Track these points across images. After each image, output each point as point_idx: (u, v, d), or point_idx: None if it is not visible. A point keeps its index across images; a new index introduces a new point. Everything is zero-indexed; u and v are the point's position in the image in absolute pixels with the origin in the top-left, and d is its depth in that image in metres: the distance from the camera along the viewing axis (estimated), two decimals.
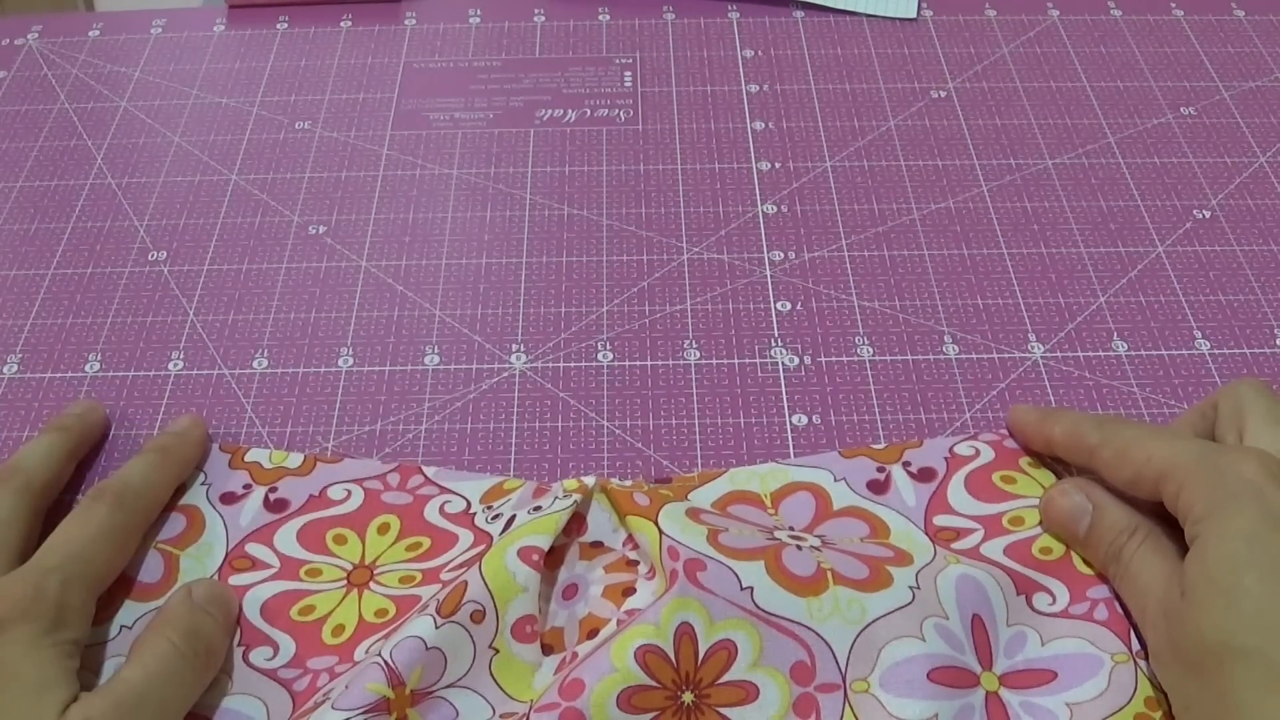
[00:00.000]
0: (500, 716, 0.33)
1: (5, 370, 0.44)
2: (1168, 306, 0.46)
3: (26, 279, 0.48)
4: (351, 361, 0.44)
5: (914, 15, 0.61)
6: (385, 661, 0.32)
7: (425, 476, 0.39)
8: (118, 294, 0.47)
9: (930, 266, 0.48)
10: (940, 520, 0.38)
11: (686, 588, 0.33)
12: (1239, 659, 0.28)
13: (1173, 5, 0.61)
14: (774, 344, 0.45)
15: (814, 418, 0.42)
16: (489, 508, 0.38)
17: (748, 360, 0.44)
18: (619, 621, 0.34)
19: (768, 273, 0.47)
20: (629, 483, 0.38)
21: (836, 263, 0.48)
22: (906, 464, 0.39)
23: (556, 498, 0.37)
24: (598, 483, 0.38)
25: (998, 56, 0.58)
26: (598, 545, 0.37)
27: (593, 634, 0.35)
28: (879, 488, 0.39)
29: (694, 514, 0.36)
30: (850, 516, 0.38)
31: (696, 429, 0.42)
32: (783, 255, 0.48)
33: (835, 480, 0.39)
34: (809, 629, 0.33)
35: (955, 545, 0.37)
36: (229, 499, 0.39)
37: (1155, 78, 0.57)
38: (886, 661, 0.33)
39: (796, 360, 0.44)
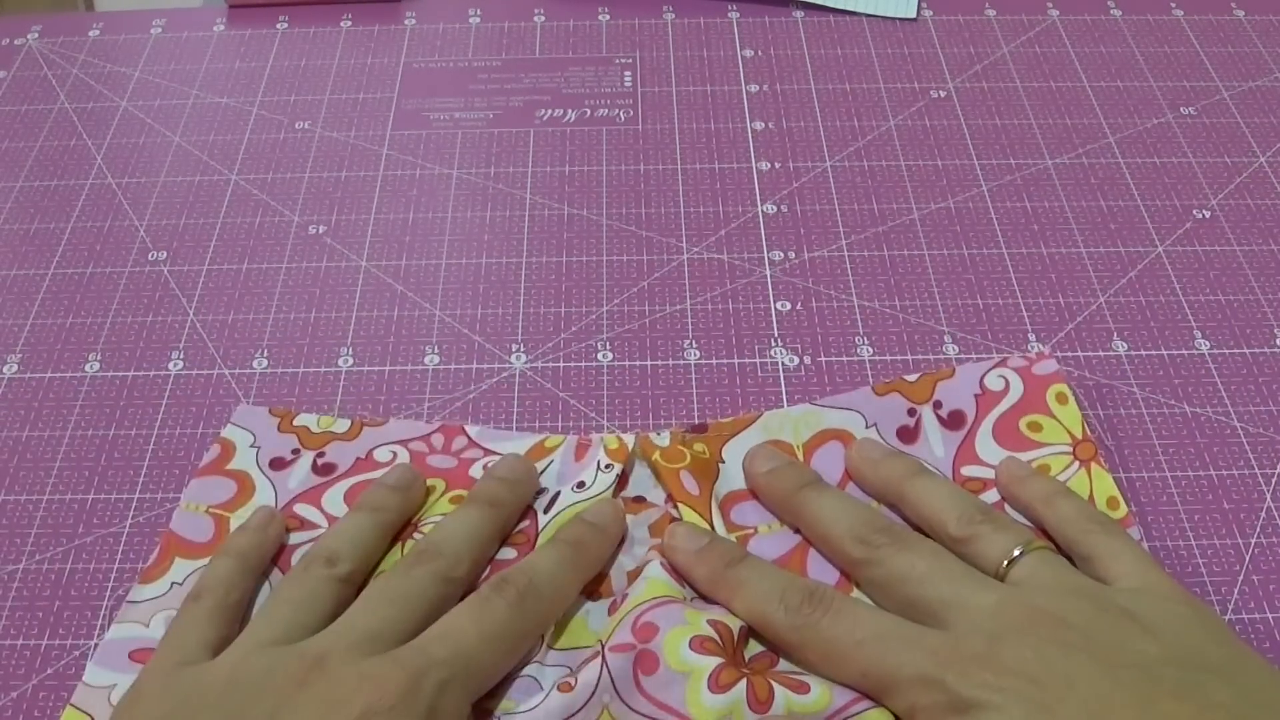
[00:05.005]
0: (576, 665, 0.33)
1: (5, 370, 0.44)
2: (1168, 306, 0.46)
3: (26, 279, 0.48)
4: (351, 361, 0.44)
5: (914, 15, 0.61)
6: None
7: (469, 438, 0.41)
8: (118, 294, 0.47)
9: (930, 266, 0.48)
10: (967, 470, 0.39)
11: None
12: None
13: (1173, 5, 0.61)
14: (774, 344, 0.45)
15: None
16: None
17: (748, 360, 0.44)
18: (662, 564, 0.35)
19: (768, 273, 0.47)
20: (666, 435, 0.39)
21: (836, 263, 0.48)
22: (937, 404, 0.40)
23: (599, 469, 0.38)
24: (638, 442, 0.39)
25: (998, 56, 0.58)
26: (640, 500, 0.38)
27: (635, 576, 0.36)
28: (909, 435, 0.40)
29: (725, 514, 0.37)
30: None
31: None
32: (783, 255, 0.48)
33: (866, 426, 0.40)
34: None
35: (981, 498, 0.38)
36: (278, 464, 0.40)
37: (1155, 78, 0.57)
38: None
39: (796, 360, 0.44)
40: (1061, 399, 0.40)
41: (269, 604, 0.34)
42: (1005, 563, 0.34)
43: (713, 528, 0.36)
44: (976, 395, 0.40)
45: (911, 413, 0.40)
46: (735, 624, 0.33)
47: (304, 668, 0.30)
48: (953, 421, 0.40)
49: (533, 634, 0.34)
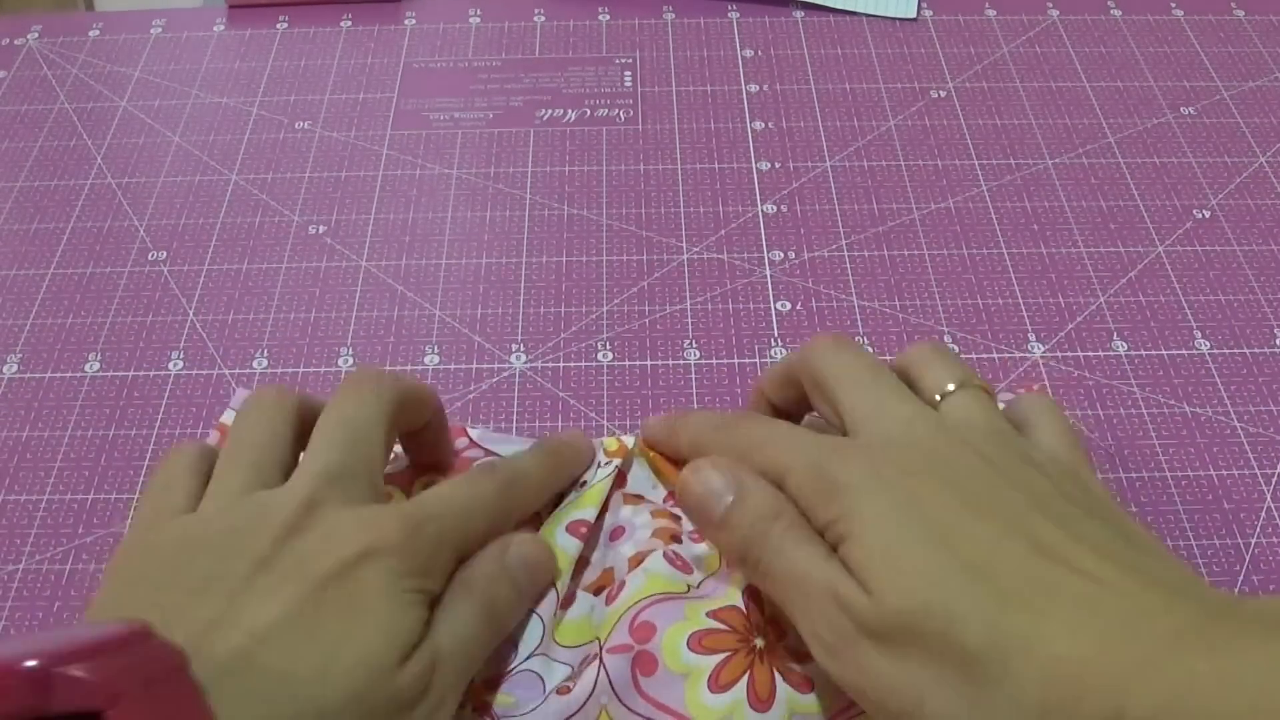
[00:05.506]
0: (578, 666, 0.33)
1: (5, 370, 0.44)
2: (1168, 306, 0.46)
3: (26, 279, 0.48)
4: (351, 361, 0.44)
5: (914, 15, 0.61)
6: None
7: (470, 439, 0.40)
8: (118, 294, 0.47)
9: (930, 266, 0.48)
10: None
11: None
12: (929, 619, 0.27)
13: (1173, 5, 0.61)
14: (774, 344, 0.45)
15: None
16: None
17: (748, 360, 0.44)
18: (665, 556, 0.35)
19: (768, 273, 0.48)
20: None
21: (836, 263, 0.48)
22: None
23: (599, 464, 0.38)
24: (638, 443, 0.39)
25: (998, 56, 0.58)
26: (638, 498, 0.38)
27: (638, 563, 0.35)
28: None
29: None
30: None
31: None
32: (783, 255, 0.48)
33: None
34: None
35: None
36: None
37: (1155, 78, 0.57)
38: None
39: None
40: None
41: (228, 449, 0.33)
42: (938, 395, 0.33)
43: None
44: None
45: None
46: (737, 599, 0.33)
47: (296, 512, 0.30)
48: None
49: (511, 519, 0.35)
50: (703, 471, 0.32)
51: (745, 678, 0.32)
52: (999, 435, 0.31)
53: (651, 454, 0.38)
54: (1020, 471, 0.30)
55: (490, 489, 0.34)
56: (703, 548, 0.36)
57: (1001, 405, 0.34)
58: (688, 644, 0.32)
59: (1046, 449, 0.32)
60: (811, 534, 0.30)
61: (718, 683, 0.32)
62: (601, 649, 0.32)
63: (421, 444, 0.37)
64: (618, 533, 0.37)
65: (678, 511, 0.37)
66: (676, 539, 0.37)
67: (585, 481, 0.38)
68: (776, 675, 0.32)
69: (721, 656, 0.32)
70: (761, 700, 0.31)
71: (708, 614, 0.33)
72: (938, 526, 0.28)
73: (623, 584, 0.35)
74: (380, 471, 0.33)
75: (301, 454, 0.33)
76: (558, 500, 0.38)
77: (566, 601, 0.35)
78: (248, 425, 0.33)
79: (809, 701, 0.32)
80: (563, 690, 0.32)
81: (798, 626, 0.30)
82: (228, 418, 0.40)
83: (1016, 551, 0.27)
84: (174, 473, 0.33)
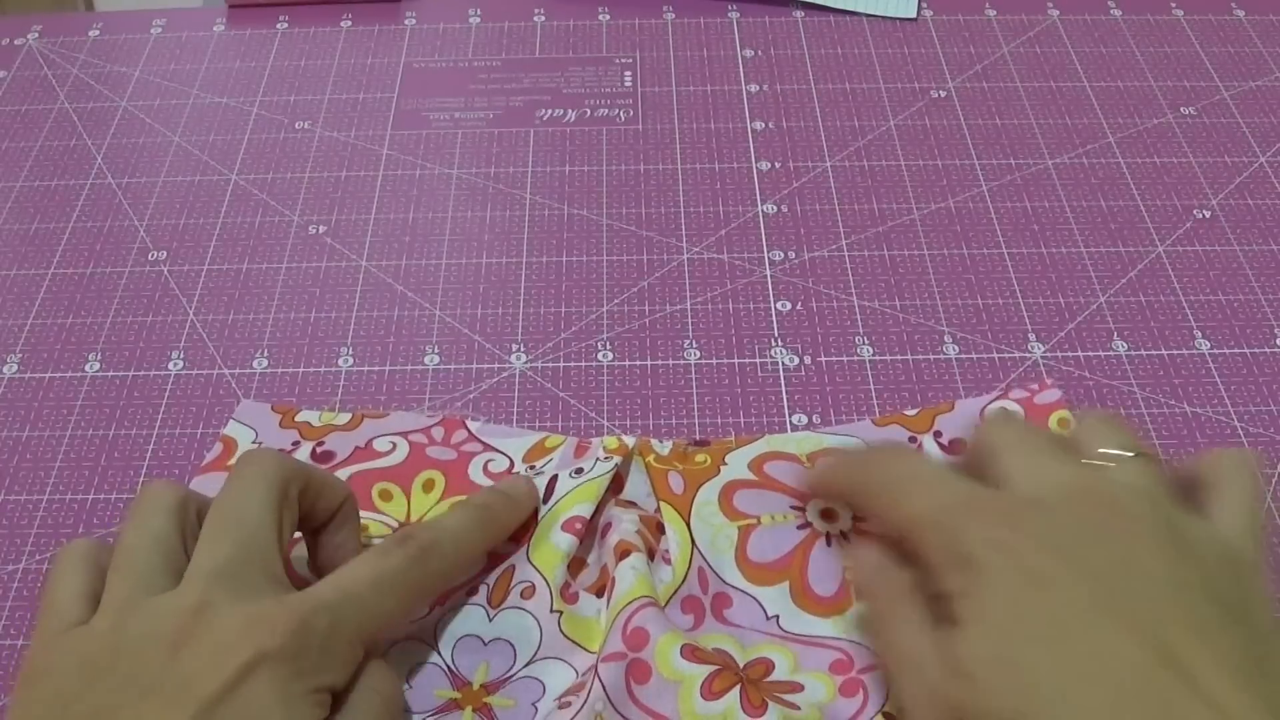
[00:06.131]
0: (585, 673, 0.33)
1: (5, 370, 0.44)
2: (1168, 306, 0.46)
3: (26, 279, 0.48)
4: (351, 361, 0.44)
5: (914, 15, 0.61)
6: (447, 666, 0.33)
7: (469, 431, 0.40)
8: (118, 294, 0.47)
9: (930, 266, 0.48)
10: None
11: (714, 625, 0.35)
12: None
13: (1173, 5, 0.61)
14: (774, 344, 0.45)
15: (814, 418, 0.42)
16: (532, 467, 0.39)
17: (748, 360, 0.44)
18: (652, 554, 0.35)
19: (768, 273, 0.48)
20: (668, 444, 0.39)
21: (836, 263, 0.48)
22: (937, 434, 0.40)
23: (598, 459, 0.38)
24: (638, 444, 0.39)
25: (998, 56, 0.58)
26: (632, 504, 0.38)
27: (624, 555, 0.35)
28: None
29: (727, 499, 0.37)
30: None
31: (696, 429, 0.42)
32: (783, 255, 0.48)
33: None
34: (838, 639, 0.34)
35: None
36: None
37: (1155, 78, 0.57)
38: None
39: (796, 360, 0.44)
40: (1064, 424, 0.40)
41: (120, 550, 0.31)
42: (1102, 454, 0.31)
43: (689, 528, 0.36)
44: (977, 426, 0.40)
45: (913, 439, 0.40)
46: (710, 645, 0.34)
47: (183, 621, 0.29)
48: (953, 449, 0.40)
49: (431, 591, 0.33)
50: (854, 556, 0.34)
51: (738, 687, 0.32)
52: (1155, 509, 0.29)
53: (649, 459, 0.38)
54: (1168, 557, 0.28)
55: (399, 562, 0.32)
56: (667, 574, 0.36)
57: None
58: (680, 652, 0.32)
59: (1212, 529, 0.29)
60: (924, 612, 0.29)
61: (710, 690, 0.32)
62: (598, 660, 0.33)
63: (325, 546, 0.34)
64: (607, 529, 0.37)
65: (664, 522, 0.37)
66: (652, 556, 0.36)
67: (582, 469, 0.38)
68: (767, 696, 0.32)
69: (712, 669, 0.32)
70: (755, 707, 0.32)
71: (681, 650, 0.33)
72: (1058, 624, 0.27)
73: (614, 581, 0.35)
74: (275, 556, 0.31)
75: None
76: (551, 488, 0.37)
77: (570, 600, 0.35)
78: (131, 528, 0.32)
79: (800, 715, 0.32)
80: (563, 705, 0.32)
81: (895, 694, 0.30)
82: (232, 429, 0.41)
83: (1139, 661, 0.26)
84: (64, 579, 0.31)
